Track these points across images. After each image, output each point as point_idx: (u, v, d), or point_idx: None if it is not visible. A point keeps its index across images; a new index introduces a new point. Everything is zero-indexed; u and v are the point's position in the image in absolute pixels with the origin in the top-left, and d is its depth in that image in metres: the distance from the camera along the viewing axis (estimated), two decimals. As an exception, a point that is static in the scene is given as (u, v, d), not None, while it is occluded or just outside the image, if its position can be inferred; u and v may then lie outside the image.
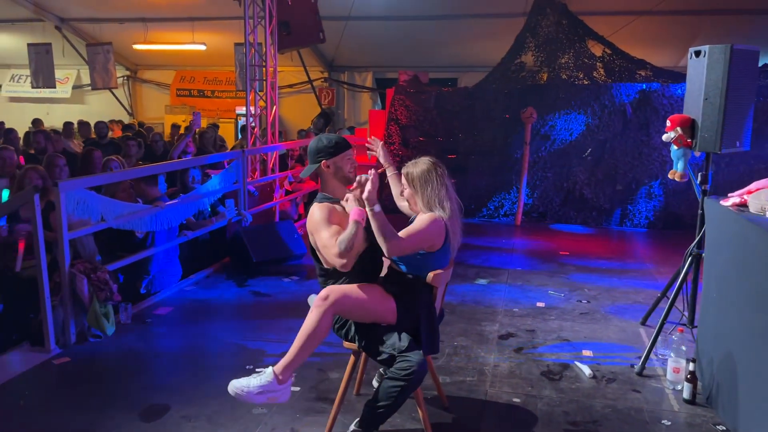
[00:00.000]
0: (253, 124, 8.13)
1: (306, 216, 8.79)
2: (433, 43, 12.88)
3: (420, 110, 8.87)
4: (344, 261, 2.85)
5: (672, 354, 3.79)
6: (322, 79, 15.30)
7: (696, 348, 3.84)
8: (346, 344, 3.15)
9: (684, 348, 3.76)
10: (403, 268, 3.10)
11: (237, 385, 2.97)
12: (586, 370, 3.95)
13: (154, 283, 5.32)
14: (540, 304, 5.25)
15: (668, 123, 4.05)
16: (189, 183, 6.05)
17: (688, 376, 3.56)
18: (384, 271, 3.30)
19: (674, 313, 4.89)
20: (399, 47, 13.27)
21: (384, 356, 2.96)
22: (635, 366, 4.04)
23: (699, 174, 4.18)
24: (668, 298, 4.58)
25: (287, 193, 7.94)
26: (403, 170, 3.17)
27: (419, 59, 13.62)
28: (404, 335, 2.98)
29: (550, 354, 4.25)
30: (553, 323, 4.83)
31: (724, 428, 3.29)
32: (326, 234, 2.93)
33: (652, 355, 4.22)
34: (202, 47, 13.79)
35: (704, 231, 4.14)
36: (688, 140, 3.99)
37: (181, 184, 6.10)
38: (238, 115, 15.62)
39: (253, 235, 6.21)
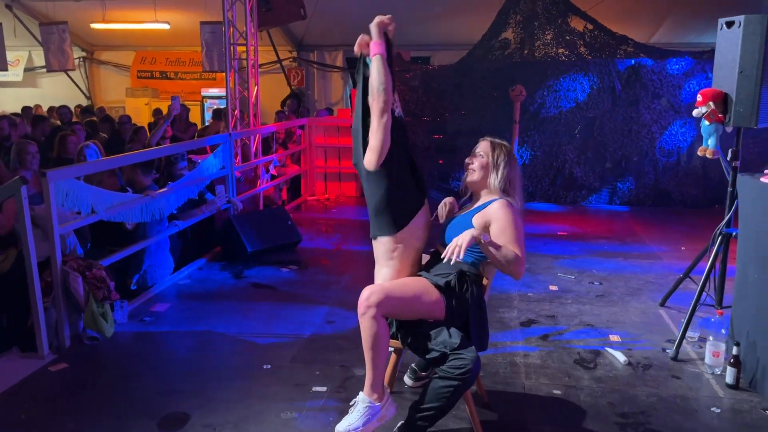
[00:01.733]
0: (233, 107, 7.71)
1: (292, 201, 8.50)
2: (405, 20, 12.50)
3: (405, 89, 8.59)
4: (382, 105, 2.71)
5: (710, 337, 3.67)
6: (291, 59, 14.82)
7: (731, 331, 3.73)
8: (391, 342, 2.90)
9: (723, 331, 3.64)
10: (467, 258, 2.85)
11: (342, 430, 2.77)
12: (620, 357, 3.80)
13: (146, 277, 4.96)
14: (553, 288, 5.10)
15: (699, 98, 3.89)
16: (177, 170, 5.67)
17: (732, 360, 3.44)
18: (423, 259, 3.07)
19: (692, 294, 4.83)
20: (369, 25, 12.90)
21: (435, 354, 2.73)
22: (668, 351, 3.92)
23: (729, 150, 4.04)
24: (692, 280, 4.50)
25: (273, 177, 7.60)
26: (488, 139, 2.98)
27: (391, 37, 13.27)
28: (454, 331, 2.76)
29: (578, 341, 4.09)
30: (572, 308, 4.68)
31: (775, 413, 3.19)
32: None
33: (674, 336, 4.12)
34: (166, 26, 13.15)
35: (733, 210, 4.03)
36: (720, 115, 3.85)
37: (167, 171, 5.71)
38: (205, 97, 15.06)
39: (246, 223, 5.88)
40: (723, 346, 3.62)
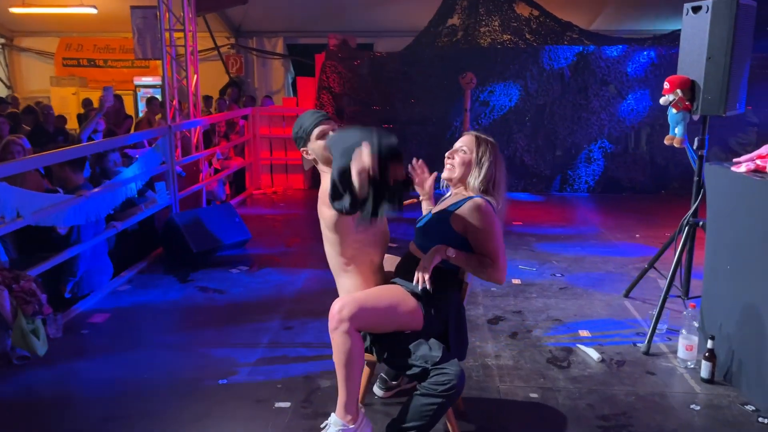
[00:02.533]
0: (171, 96, 7.26)
1: (237, 196, 8.10)
2: (346, 6, 12.22)
3: (353, 77, 8.32)
4: None
5: (683, 330, 3.60)
6: (229, 46, 14.25)
7: (701, 323, 3.66)
8: (366, 357, 2.66)
9: (696, 324, 3.57)
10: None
11: None
12: (593, 354, 3.69)
13: (82, 285, 4.55)
14: (516, 281, 4.97)
15: (666, 85, 3.79)
16: (111, 167, 5.23)
17: (707, 354, 3.37)
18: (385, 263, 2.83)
19: (654, 284, 4.79)
20: (311, 11, 12.49)
21: (415, 370, 2.51)
22: (639, 345, 3.83)
23: (695, 139, 3.97)
24: (656, 270, 4.44)
25: (216, 171, 7.20)
26: (472, 133, 2.74)
27: (332, 23, 12.91)
28: (434, 343, 2.54)
29: (548, 338, 3.96)
30: (537, 302, 4.56)
31: (753, 407, 3.13)
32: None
33: (645, 329, 4.06)
34: (92, 10, 12.36)
35: (699, 200, 3.97)
36: (687, 103, 3.76)
37: (101, 168, 5.27)
38: (138, 86, 14.31)
39: (190, 222, 5.50)
40: (696, 340, 3.55)
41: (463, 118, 8.03)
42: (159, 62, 7.32)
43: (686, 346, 3.55)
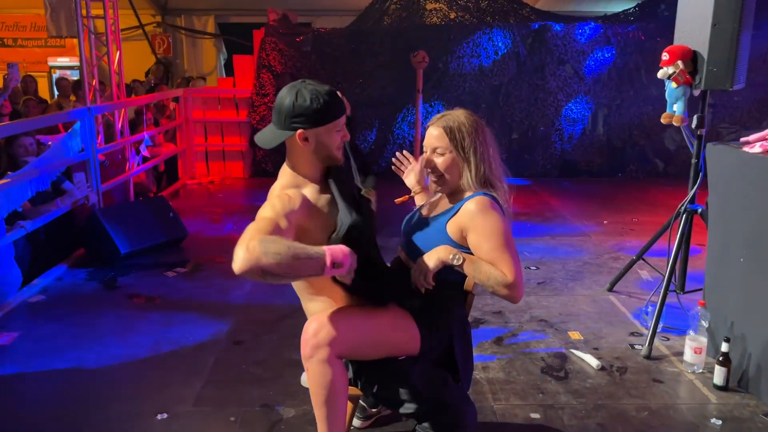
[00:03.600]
0: (90, 76, 6.42)
1: (169, 187, 7.32)
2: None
3: (296, 55, 7.65)
4: (243, 270, 1.66)
5: (690, 331, 3.22)
6: (155, 24, 13.22)
7: (708, 323, 3.29)
8: (351, 390, 2.10)
9: (705, 324, 3.19)
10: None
11: None
12: (592, 361, 3.26)
13: (-17, 298, 3.79)
14: (490, 277, 4.50)
15: (665, 56, 3.37)
16: (21, 154, 4.44)
17: (721, 359, 3.00)
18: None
19: (635, 275, 4.44)
20: (243, -13, 11.70)
21: (413, 408, 1.99)
22: (637, 347, 3.44)
23: (694, 117, 3.58)
24: (645, 262, 4.07)
25: (144, 160, 6.43)
26: (438, 125, 2.16)
27: (266, 1, 12.14)
28: (436, 372, 2.03)
29: (536, 342, 3.52)
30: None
31: (778, 418, 2.77)
32: (261, 222, 1.80)
33: (640, 328, 3.69)
34: (-2, -16, 11.15)
35: (698, 185, 3.60)
36: (689, 76, 3.36)
37: (7, 157, 4.47)
38: (53, 67, 13.11)
39: (117, 218, 4.77)
40: (705, 342, 3.18)
41: (416, 100, 7.52)
42: (76, 41, 6.47)
43: (694, 349, 3.17)
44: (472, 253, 2.05)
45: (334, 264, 1.72)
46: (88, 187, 4.86)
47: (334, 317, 1.94)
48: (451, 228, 2.10)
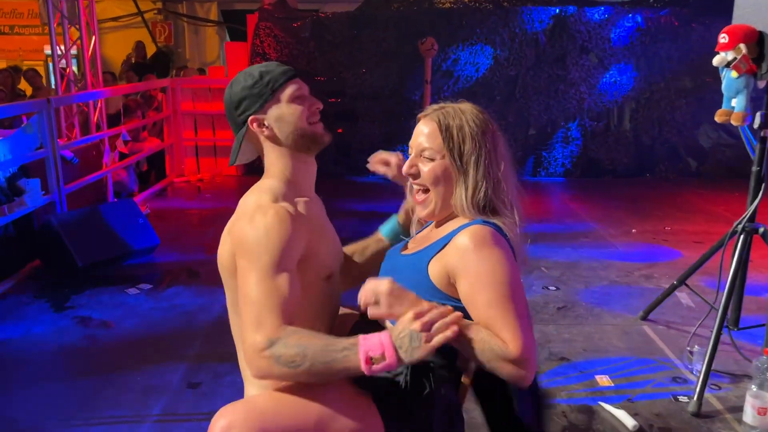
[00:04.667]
0: (63, 64, 5.88)
1: (153, 186, 6.74)
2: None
3: (293, 42, 7.02)
4: (261, 368, 1.35)
5: (753, 387, 2.56)
6: (156, 11, 12.67)
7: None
8: None
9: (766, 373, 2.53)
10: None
11: None
12: (626, 420, 2.61)
13: None
14: (501, 299, 3.86)
15: (724, 38, 2.69)
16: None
17: (795, 425, 2.34)
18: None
19: (673, 299, 3.78)
20: (247, -29, 11.08)
21: None
22: (680, 398, 2.79)
23: (758, 114, 2.88)
24: (689, 288, 3.40)
25: (122, 157, 5.85)
26: (431, 118, 1.54)
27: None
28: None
29: (557, 390, 2.87)
30: (534, 330, 3.45)
31: None
32: (263, 289, 1.37)
33: (683, 372, 3.03)
34: (-10, -33, 10.63)
35: (759, 199, 2.93)
36: (753, 64, 2.68)
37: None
38: (49, 56, 12.59)
39: (75, 225, 4.19)
40: (771, 399, 2.52)
41: (424, 91, 6.86)
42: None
43: (758, 409, 2.51)
44: (461, 308, 1.43)
45: (372, 359, 1.31)
46: (44, 195, 4.27)
47: (254, 412, 1.33)
48: (435, 269, 1.47)
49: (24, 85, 7.84)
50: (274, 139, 1.55)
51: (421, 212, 1.60)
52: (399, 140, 7.25)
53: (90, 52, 5.88)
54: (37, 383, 2.88)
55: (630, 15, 7.07)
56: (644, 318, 3.61)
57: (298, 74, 1.59)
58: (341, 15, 7.44)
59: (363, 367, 1.29)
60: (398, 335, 1.31)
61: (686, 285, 3.39)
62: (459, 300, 1.45)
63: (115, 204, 4.79)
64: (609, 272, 4.36)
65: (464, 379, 1.54)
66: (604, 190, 6.83)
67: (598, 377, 2.99)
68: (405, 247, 1.66)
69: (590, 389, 2.88)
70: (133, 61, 8.55)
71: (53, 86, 10.10)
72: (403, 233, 1.78)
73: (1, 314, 3.61)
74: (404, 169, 1.58)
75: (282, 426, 1.35)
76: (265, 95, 1.52)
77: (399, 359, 1.30)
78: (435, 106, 1.58)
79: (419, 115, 1.59)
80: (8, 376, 2.96)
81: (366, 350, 1.29)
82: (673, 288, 3.46)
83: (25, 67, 10.00)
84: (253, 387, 1.52)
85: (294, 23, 7.08)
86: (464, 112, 1.53)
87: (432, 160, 1.52)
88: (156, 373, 2.97)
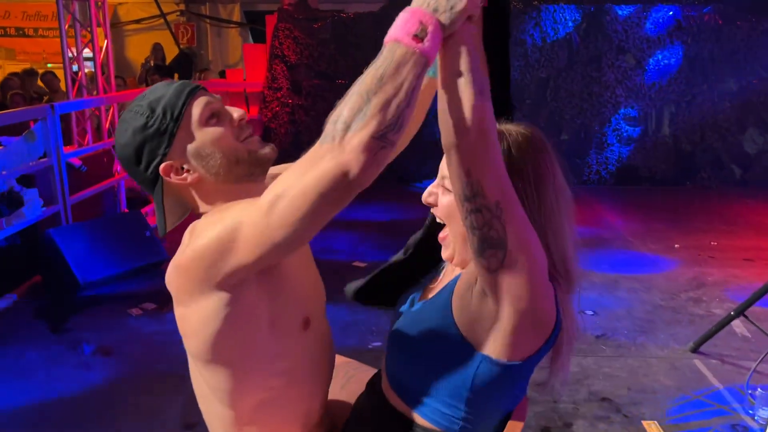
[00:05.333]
0: (75, 68, 5.69)
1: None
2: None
3: (313, 43, 6.74)
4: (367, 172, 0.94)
5: (834, 446, 2.20)
6: (178, 13, 12.56)
7: None
8: None
9: None
10: (425, 409, 1.20)
11: None
12: (682, 479, 2.27)
13: None
14: (533, 326, 3.52)
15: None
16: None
17: None
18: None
19: (729, 329, 3.41)
20: (271, -29, 10.86)
21: None
22: (744, 452, 2.43)
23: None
24: (748, 319, 3.03)
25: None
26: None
27: (297, -14, 11.31)
28: None
29: (599, 439, 2.53)
30: (571, 363, 3.11)
31: None
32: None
33: (743, 417, 2.67)
34: (14, -31, 10.58)
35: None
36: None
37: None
38: (71, 58, 12.55)
39: (77, 237, 3.97)
40: None
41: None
42: (100, 31, 5.74)
43: (840, 473, 2.14)
44: (493, 362, 1.11)
45: (416, 36, 0.96)
46: (48, 206, 4.04)
47: None
48: (461, 300, 1.14)
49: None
50: (202, 181, 1.17)
51: (443, 253, 1.27)
52: (421, 145, 6.93)
53: (102, 56, 5.68)
54: (22, 414, 2.63)
55: (670, 13, 6.65)
56: (695, 350, 3.23)
57: (199, 86, 1.20)
58: (364, 15, 7.14)
59: (415, 48, 0.95)
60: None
61: (744, 316, 3.01)
62: (481, 352, 1.13)
63: (121, 216, 4.56)
64: (652, 294, 3.98)
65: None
66: (641, 199, 6.43)
67: (645, 423, 2.63)
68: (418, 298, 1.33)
69: (637, 439, 2.54)
70: (151, 63, 8.37)
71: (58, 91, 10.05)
72: None
73: (-3, 335, 3.39)
74: (423, 196, 1.26)
75: None
76: (168, 130, 1.14)
77: (441, 23, 0.97)
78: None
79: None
80: (-8, 410, 2.71)
81: (403, 32, 0.98)
82: (730, 319, 3.08)
83: (44, 70, 9.94)
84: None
85: (314, 24, 6.81)
86: (510, 132, 1.20)
87: (451, 191, 1.19)
88: (150, 411, 2.70)
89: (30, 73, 7.64)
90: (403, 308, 1.31)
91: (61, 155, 4.33)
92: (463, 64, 1.00)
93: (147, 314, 3.67)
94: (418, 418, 1.19)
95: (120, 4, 11.87)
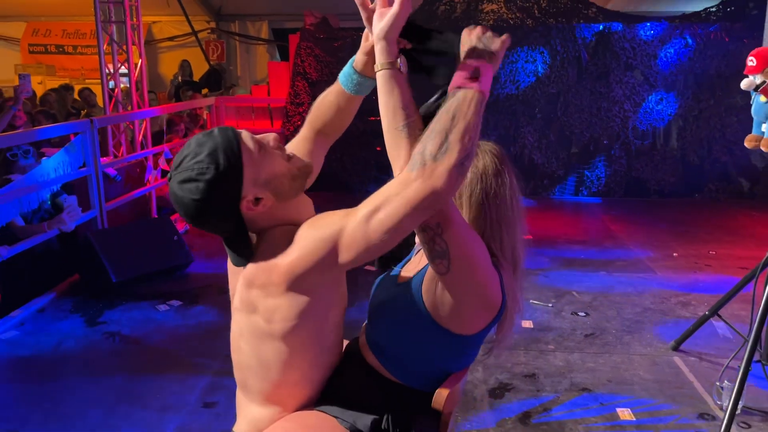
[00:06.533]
0: (111, 85, 6.12)
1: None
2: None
3: (333, 61, 7.11)
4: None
5: (781, 428, 2.42)
6: (209, 31, 13.06)
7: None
8: None
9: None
10: (392, 365, 1.49)
11: None
12: (644, 457, 2.52)
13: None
14: (527, 324, 3.78)
15: (752, 61, 2.59)
16: (21, 164, 4.10)
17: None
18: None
19: (710, 328, 3.63)
20: (297, -9, 11.28)
21: None
22: (708, 437, 2.66)
23: (791, 139, 2.76)
24: (721, 318, 3.25)
25: (164, 174, 6.02)
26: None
27: (321, 5, 11.71)
28: None
29: (574, 423, 2.78)
30: (556, 358, 3.37)
31: None
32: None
33: (712, 407, 2.89)
34: (57, -9, 11.18)
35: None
36: (783, 88, 2.56)
37: (5, 172, 4.12)
38: (108, 75, 13.14)
39: (112, 240, 4.34)
40: (802, 443, 2.38)
41: (462, 110, 6.81)
42: (134, 49, 6.17)
43: (786, 452, 2.37)
44: (453, 335, 1.41)
45: (471, 77, 1.25)
46: (84, 211, 4.43)
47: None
48: (427, 287, 1.43)
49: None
50: (276, 201, 1.36)
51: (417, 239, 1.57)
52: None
53: (137, 74, 6.10)
54: (59, 396, 2.98)
55: (677, 31, 6.86)
56: (676, 348, 3.46)
57: (231, 127, 1.37)
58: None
59: (472, 86, 1.23)
60: (469, 49, 1.30)
61: (719, 316, 3.24)
62: (448, 329, 1.42)
63: (152, 221, 4.94)
64: (643, 299, 4.21)
65: (444, 418, 1.50)
66: (648, 211, 6.62)
67: (619, 410, 2.88)
68: (400, 272, 1.63)
69: (610, 423, 2.78)
70: (179, 79, 8.82)
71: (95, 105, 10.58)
72: (360, 80, 1.52)
73: (38, 328, 3.76)
74: None
75: None
76: (236, 171, 1.29)
77: (488, 63, 1.28)
78: None
79: None
80: (33, 389, 3.07)
81: (461, 79, 1.25)
82: (705, 318, 3.31)
83: (81, 86, 10.51)
84: (258, 409, 1.50)
85: (335, 43, 7.18)
86: (479, 153, 1.49)
87: None
88: (174, 391, 3.03)
89: (66, 88, 8.13)
90: (388, 281, 1.61)
91: (99, 165, 4.73)
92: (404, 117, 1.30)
93: (173, 310, 4.02)
94: (386, 373, 1.49)
95: (154, 22, 12.39)
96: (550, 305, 4.08)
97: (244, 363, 1.49)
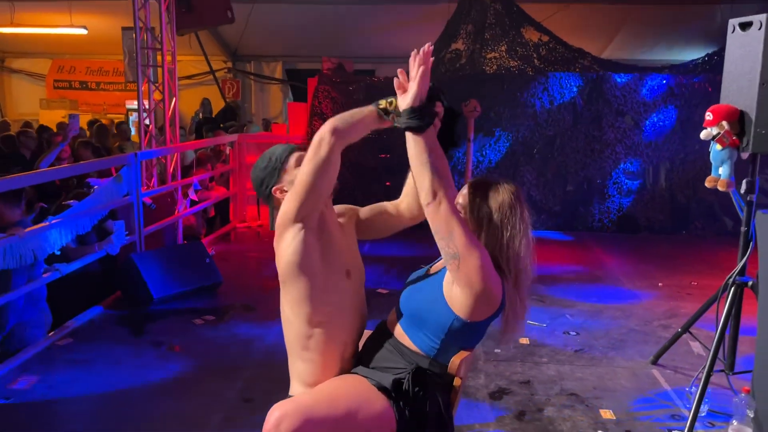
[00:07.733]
0: (147, 121, 6.67)
1: (218, 230, 7.43)
2: (347, 30, 11.72)
3: (348, 103, 7.69)
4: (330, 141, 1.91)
5: (734, 421, 2.89)
6: (226, 70, 13.76)
7: (755, 412, 2.94)
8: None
9: (751, 414, 2.85)
10: (415, 338, 1.97)
11: None
12: (621, 446, 2.97)
13: (12, 340, 3.87)
14: (524, 341, 4.25)
15: (709, 116, 3.14)
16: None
17: (768, 456, 2.65)
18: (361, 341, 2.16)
19: (685, 347, 4.09)
20: (310, 35, 11.98)
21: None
22: (676, 433, 3.12)
23: (744, 181, 3.29)
24: (692, 335, 3.73)
25: (192, 204, 6.55)
26: (470, 188, 2.01)
27: (333, 49, 12.40)
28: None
29: (563, 420, 3.24)
30: (549, 369, 3.84)
31: None
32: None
33: (683, 410, 3.35)
34: (83, 31, 11.86)
35: (748, 255, 3.29)
36: (735, 138, 3.09)
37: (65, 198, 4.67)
38: (129, 110, 13.80)
39: (152, 261, 4.84)
40: (750, 433, 2.84)
41: (466, 149, 7.38)
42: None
43: (738, 441, 2.83)
44: (461, 320, 1.89)
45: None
46: (127, 236, 4.94)
47: (300, 406, 1.81)
48: (446, 281, 1.92)
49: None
50: None
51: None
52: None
53: (170, 112, 6.67)
54: (115, 398, 3.45)
55: (664, 81, 7.46)
56: (654, 362, 3.93)
57: (296, 148, 2.10)
58: (392, 80, 8.10)
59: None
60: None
61: (690, 333, 3.72)
62: (467, 322, 1.90)
63: (186, 245, 5.44)
64: (629, 322, 4.68)
65: (456, 382, 1.99)
66: (638, 246, 7.11)
67: (602, 411, 3.34)
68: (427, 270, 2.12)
69: (593, 421, 3.24)
70: (200, 116, 9.42)
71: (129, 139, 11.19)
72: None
73: (91, 335, 4.24)
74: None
75: (323, 412, 1.83)
76: (277, 169, 2.05)
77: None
78: (480, 178, 2.08)
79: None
80: (93, 390, 3.53)
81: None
82: (678, 335, 3.79)
83: (107, 120, 11.13)
84: (300, 363, 2.01)
85: (350, 87, 7.79)
86: (492, 187, 1.97)
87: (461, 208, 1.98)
88: (216, 390, 3.49)
89: (92, 123, 8.68)
90: (418, 275, 2.11)
91: (140, 194, 5.26)
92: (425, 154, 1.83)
93: (208, 324, 4.50)
94: (409, 343, 1.97)
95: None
96: (545, 325, 4.55)
97: (284, 322, 2.06)
